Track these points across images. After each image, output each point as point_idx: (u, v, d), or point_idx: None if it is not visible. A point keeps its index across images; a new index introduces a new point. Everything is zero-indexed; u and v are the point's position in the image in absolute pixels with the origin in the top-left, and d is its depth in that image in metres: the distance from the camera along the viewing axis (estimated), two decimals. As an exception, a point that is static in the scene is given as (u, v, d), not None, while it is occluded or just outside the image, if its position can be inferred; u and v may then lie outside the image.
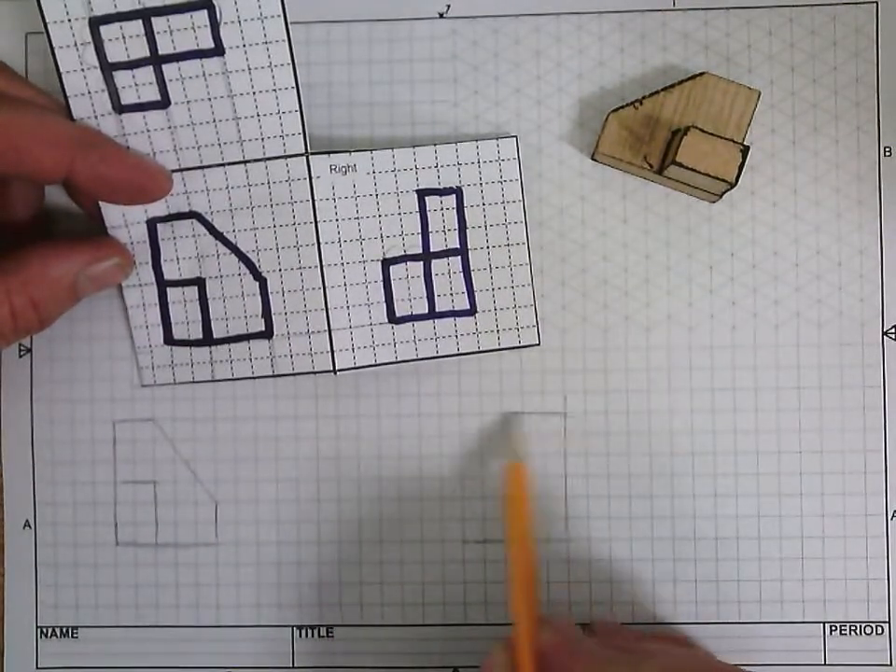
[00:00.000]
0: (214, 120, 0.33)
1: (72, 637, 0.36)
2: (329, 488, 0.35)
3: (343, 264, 0.34)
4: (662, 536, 0.35)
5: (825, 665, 0.34)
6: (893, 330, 0.35)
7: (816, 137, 0.35)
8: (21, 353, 0.36)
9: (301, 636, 0.35)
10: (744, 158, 0.32)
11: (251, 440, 0.35)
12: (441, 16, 0.35)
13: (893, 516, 0.34)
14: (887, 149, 0.34)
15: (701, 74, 0.33)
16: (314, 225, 0.33)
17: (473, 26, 0.35)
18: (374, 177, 0.34)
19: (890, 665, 0.34)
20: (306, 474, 0.35)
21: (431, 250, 0.34)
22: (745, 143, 0.32)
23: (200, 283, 0.34)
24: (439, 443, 0.35)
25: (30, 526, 0.36)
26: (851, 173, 0.35)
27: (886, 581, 0.34)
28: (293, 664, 0.35)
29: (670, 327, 0.35)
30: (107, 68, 0.32)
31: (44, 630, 0.36)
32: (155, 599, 0.35)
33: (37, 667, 0.36)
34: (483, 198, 0.34)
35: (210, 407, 0.35)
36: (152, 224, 0.34)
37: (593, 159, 0.35)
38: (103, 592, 0.35)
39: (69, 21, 0.32)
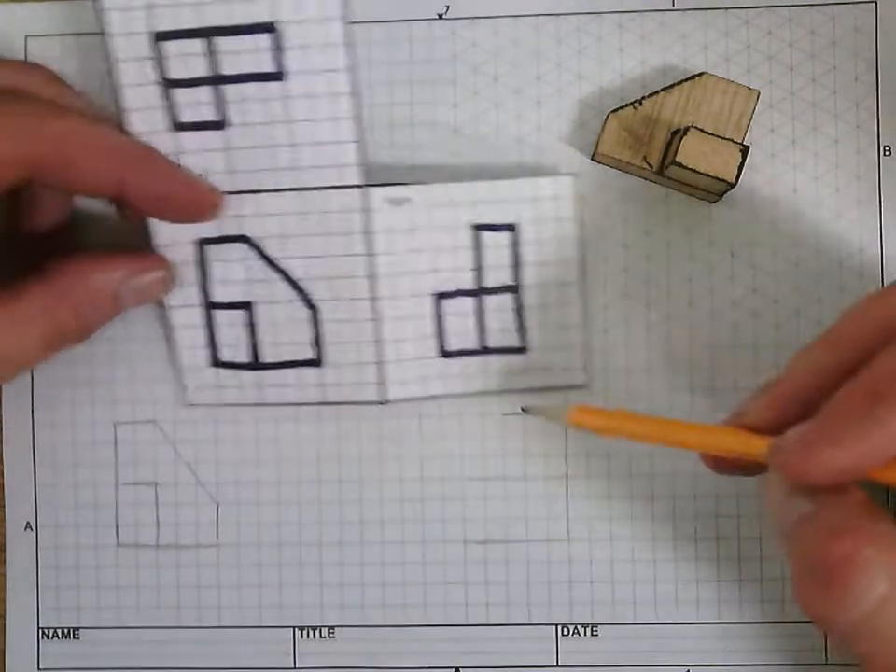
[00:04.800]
0: (270, 145, 0.32)
1: (73, 638, 0.36)
2: (330, 489, 0.35)
3: (395, 297, 0.33)
4: (663, 536, 0.35)
5: (825, 664, 0.34)
6: (893, 330, 0.34)
7: (815, 137, 0.35)
8: (22, 355, 0.36)
9: (302, 636, 0.35)
10: (744, 158, 0.32)
11: (252, 441, 0.35)
12: (441, 17, 0.35)
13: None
14: (886, 149, 0.34)
15: (700, 74, 0.33)
16: (367, 257, 0.33)
17: (473, 27, 0.35)
18: (430, 211, 0.33)
19: (891, 664, 0.34)
20: (307, 475, 0.35)
21: (484, 286, 0.34)
22: (745, 143, 0.32)
23: (248, 307, 0.34)
24: (440, 444, 0.35)
25: (31, 528, 0.36)
26: (851, 172, 0.35)
27: (887, 581, 0.34)
28: (294, 664, 0.35)
29: (670, 327, 0.35)
30: (166, 85, 0.32)
31: (45, 631, 0.36)
32: (156, 601, 0.35)
33: (39, 668, 0.36)
34: (537, 235, 0.33)
35: (211, 409, 0.35)
36: (201, 245, 0.33)
37: (593, 159, 0.35)
38: (104, 593, 0.36)
39: (132, 34, 0.31)
